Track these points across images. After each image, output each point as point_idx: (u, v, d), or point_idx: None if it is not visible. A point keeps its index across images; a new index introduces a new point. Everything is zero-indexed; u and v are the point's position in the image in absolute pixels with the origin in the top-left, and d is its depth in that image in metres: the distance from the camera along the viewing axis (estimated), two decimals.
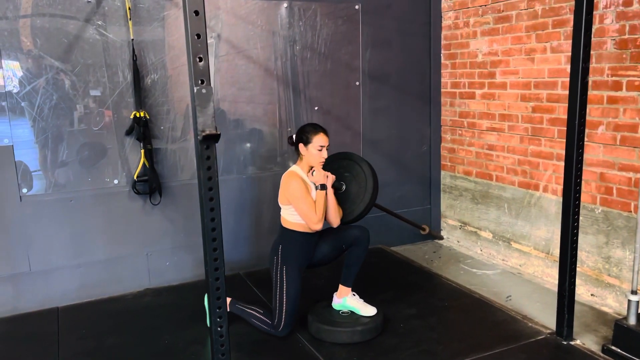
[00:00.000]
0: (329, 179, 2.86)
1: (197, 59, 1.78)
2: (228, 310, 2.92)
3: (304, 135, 2.84)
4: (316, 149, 2.81)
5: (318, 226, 2.81)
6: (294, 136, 2.91)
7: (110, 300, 3.48)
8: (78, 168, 3.36)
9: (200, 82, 1.79)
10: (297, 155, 2.91)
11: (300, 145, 2.85)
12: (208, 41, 3.61)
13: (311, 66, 3.94)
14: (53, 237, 3.35)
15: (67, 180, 3.35)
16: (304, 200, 2.78)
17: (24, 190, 3.26)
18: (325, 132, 2.85)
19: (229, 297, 2.97)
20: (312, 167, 2.88)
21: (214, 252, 1.95)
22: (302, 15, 3.85)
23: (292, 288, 2.84)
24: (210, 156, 1.86)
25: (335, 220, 2.94)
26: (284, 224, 2.93)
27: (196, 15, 1.76)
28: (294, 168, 2.90)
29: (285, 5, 3.79)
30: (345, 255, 3.00)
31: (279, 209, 2.97)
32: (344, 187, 3.02)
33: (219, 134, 1.82)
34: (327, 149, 2.85)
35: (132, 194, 3.47)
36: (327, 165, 2.96)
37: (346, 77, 4.09)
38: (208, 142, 1.83)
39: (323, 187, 2.82)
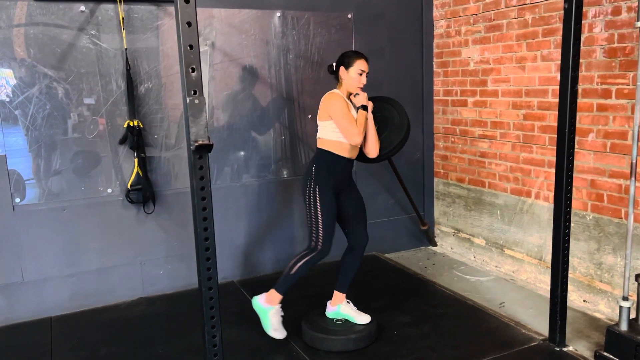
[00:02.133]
0: (370, 103, 2.90)
1: (190, 70, 1.80)
2: (280, 295, 2.91)
3: (346, 59, 2.88)
4: (357, 73, 2.85)
5: (359, 138, 2.80)
6: (334, 64, 2.94)
7: (104, 309, 3.46)
8: (71, 177, 3.36)
9: (193, 92, 1.81)
10: (337, 81, 2.94)
11: (342, 69, 2.88)
12: (202, 49, 3.65)
13: (304, 74, 3.96)
14: (46, 247, 3.34)
15: (61, 189, 3.34)
16: (346, 114, 2.80)
17: (17, 200, 3.25)
18: (366, 59, 2.89)
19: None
20: (350, 93, 2.90)
21: (207, 262, 1.95)
22: (295, 24, 3.87)
23: (327, 206, 2.82)
24: (203, 166, 1.87)
25: (373, 148, 2.95)
26: (321, 145, 2.91)
27: (189, 26, 1.78)
28: (333, 90, 2.92)
29: (278, 14, 3.81)
30: (341, 261, 3.03)
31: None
32: (376, 127, 3.03)
33: (212, 144, 1.83)
34: (366, 76, 2.88)
35: (126, 203, 3.47)
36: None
37: None
38: (201, 152, 1.84)
39: (364, 108, 2.85)
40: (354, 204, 3.00)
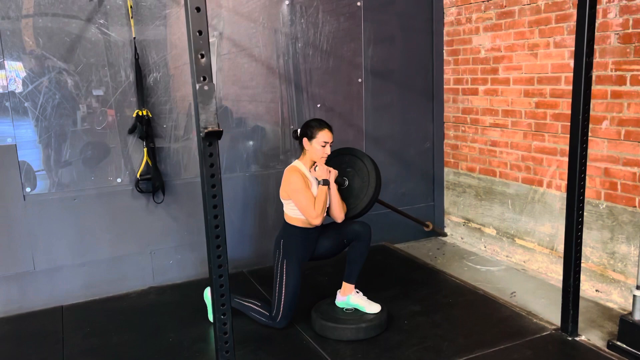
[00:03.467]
0: (332, 174, 2.88)
1: (199, 56, 1.78)
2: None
3: (309, 130, 2.85)
4: (320, 145, 2.83)
5: (317, 221, 2.83)
6: (298, 130, 2.92)
7: (115, 298, 3.48)
8: (81, 167, 3.37)
9: (202, 78, 1.79)
10: (301, 150, 2.92)
11: (305, 140, 2.86)
12: (210, 39, 3.62)
13: (313, 63, 3.93)
14: (57, 236, 3.36)
15: (71, 179, 3.35)
16: (304, 194, 2.80)
17: (28, 190, 3.26)
18: (330, 129, 2.87)
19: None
20: (314, 163, 2.89)
21: (217, 250, 1.95)
22: (304, 12, 3.84)
23: (291, 281, 2.88)
24: (212, 153, 1.85)
25: (339, 215, 2.95)
26: (286, 219, 2.96)
27: (198, 11, 1.76)
28: (295, 163, 2.92)
29: (287, 2, 3.78)
30: (348, 252, 3.00)
31: (282, 206, 2.98)
32: (346, 182, 3.04)
33: (222, 131, 1.82)
34: (330, 146, 2.86)
35: (136, 193, 3.48)
36: (330, 161, 2.98)
37: (348, 74, 4.08)
38: (211, 138, 1.83)
39: (325, 182, 2.84)
40: (330, 233, 2.98)
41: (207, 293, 3.12)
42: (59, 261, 3.38)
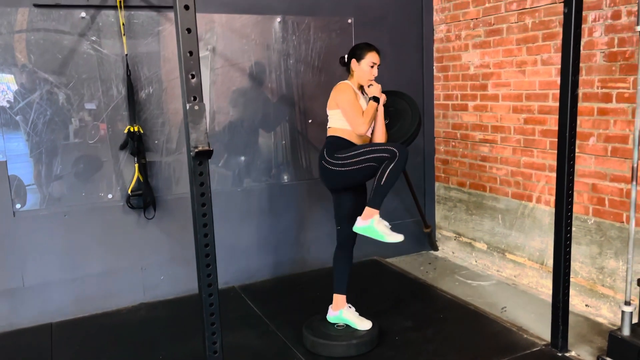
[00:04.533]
0: (382, 96, 2.90)
1: (190, 76, 1.80)
2: (376, 211, 2.75)
3: (358, 51, 2.89)
4: (368, 65, 2.86)
5: (363, 127, 2.77)
6: (345, 56, 2.94)
7: (105, 315, 3.46)
8: (72, 182, 3.36)
9: (192, 98, 1.81)
10: (348, 72, 2.94)
11: (353, 61, 2.89)
12: (203, 54, 3.66)
13: (305, 79, 3.97)
14: (47, 252, 3.34)
15: (62, 194, 3.35)
16: (353, 103, 2.80)
17: (18, 206, 3.25)
18: (378, 52, 2.90)
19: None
20: (361, 86, 2.91)
21: (207, 268, 1.95)
22: (295, 29, 3.88)
23: (359, 151, 2.72)
24: (203, 172, 1.87)
25: (381, 140, 2.94)
26: (330, 133, 2.91)
27: (188, 32, 1.78)
28: (344, 81, 2.93)
29: (278, 19, 3.82)
30: (334, 262, 3.02)
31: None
32: (387, 120, 3.04)
33: (212, 150, 1.83)
34: (378, 68, 2.89)
35: (127, 208, 3.47)
36: None
37: None
38: (201, 158, 1.84)
39: (376, 99, 2.85)
40: (355, 201, 2.97)
41: (357, 225, 2.82)
42: (49, 277, 3.36)
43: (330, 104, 2.91)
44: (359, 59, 2.87)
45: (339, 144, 2.86)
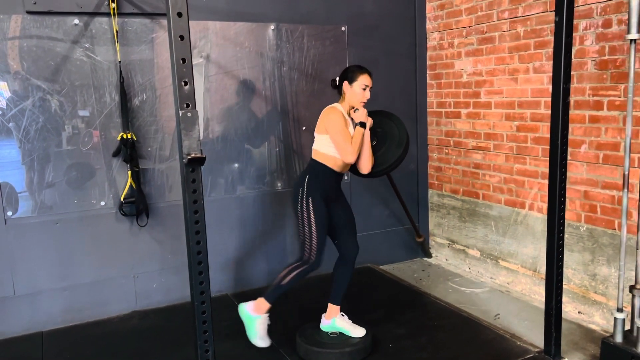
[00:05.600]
0: (369, 120, 2.89)
1: (183, 83, 1.80)
2: (268, 305, 2.91)
3: (350, 73, 2.88)
4: (360, 88, 2.85)
5: (352, 157, 2.79)
6: (337, 78, 2.93)
7: (96, 323, 3.43)
8: (65, 189, 3.34)
9: (185, 105, 1.81)
10: (339, 95, 2.93)
11: (345, 84, 2.87)
12: (197, 61, 3.66)
13: (299, 86, 3.98)
14: (38, 260, 3.31)
15: (54, 202, 3.32)
16: (342, 131, 2.78)
17: (9, 214, 3.22)
18: (370, 74, 2.89)
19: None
20: (352, 108, 2.89)
21: (199, 276, 1.94)
22: (289, 37, 3.89)
23: (320, 217, 2.81)
24: (195, 179, 1.86)
25: (366, 165, 2.94)
26: (315, 156, 2.91)
27: (181, 40, 1.78)
28: (335, 104, 2.91)
29: (272, 27, 3.83)
30: (333, 272, 3.02)
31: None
32: (374, 142, 3.04)
33: (205, 157, 1.83)
34: (370, 91, 2.88)
35: (119, 216, 3.46)
36: None
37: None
38: (193, 165, 1.84)
39: (362, 125, 2.84)
40: (344, 215, 3.00)
41: (245, 308, 3.00)
42: (40, 286, 3.33)
43: (319, 128, 2.89)
44: (351, 81, 2.86)
45: (323, 178, 2.86)
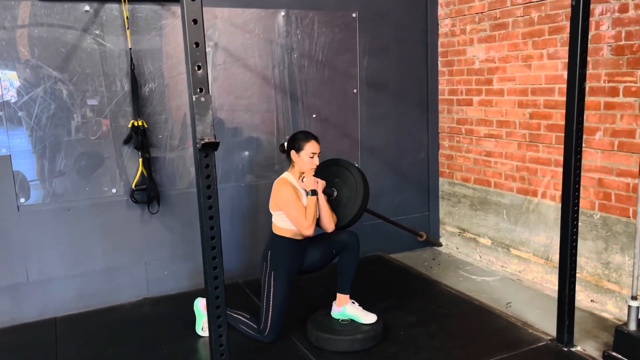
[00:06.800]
0: (319, 184, 2.89)
1: (196, 67, 1.78)
2: None
3: (296, 142, 2.87)
4: (308, 156, 2.84)
5: (309, 231, 2.82)
6: (285, 144, 2.93)
7: (108, 310, 3.45)
8: (76, 177, 3.35)
9: (199, 90, 1.79)
10: (289, 162, 2.93)
11: (292, 153, 2.88)
12: (206, 49, 3.64)
13: (309, 74, 3.95)
14: (51, 247, 3.33)
15: (65, 189, 3.34)
16: (295, 205, 2.80)
17: (22, 200, 3.24)
18: (317, 140, 2.88)
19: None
20: (302, 174, 2.89)
21: (213, 261, 1.94)
22: (299, 23, 3.86)
23: (279, 293, 2.85)
24: (209, 164, 1.85)
25: (329, 225, 2.95)
26: (274, 230, 2.95)
27: (194, 23, 1.77)
28: (285, 175, 2.93)
29: (282, 13, 3.80)
30: (338, 263, 3.00)
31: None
32: (335, 193, 3.04)
33: (218, 142, 1.82)
34: (318, 157, 2.88)
35: (130, 203, 3.46)
36: (318, 172, 2.99)
37: (344, 85, 4.10)
38: (207, 150, 1.83)
39: (314, 192, 2.85)
40: (318, 245, 2.98)
41: (198, 304, 3.08)
42: (53, 272, 3.36)
43: (272, 205, 2.91)
44: (297, 151, 2.85)
45: (285, 250, 2.89)
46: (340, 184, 3.05)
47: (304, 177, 2.87)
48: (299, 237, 2.91)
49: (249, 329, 2.95)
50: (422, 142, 4.49)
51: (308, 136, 2.87)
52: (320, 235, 3.01)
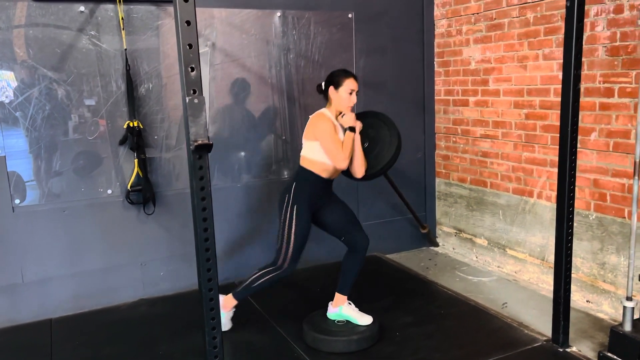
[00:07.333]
0: (358, 124, 2.85)
1: (189, 69, 1.78)
2: (236, 302, 2.97)
3: (335, 78, 2.84)
4: (346, 92, 2.81)
5: (344, 164, 2.77)
6: (322, 83, 2.90)
7: (104, 310, 3.45)
8: (72, 178, 3.35)
9: (192, 92, 1.79)
10: (326, 100, 2.90)
11: (331, 89, 2.84)
12: (203, 50, 3.64)
13: (305, 74, 3.95)
14: (46, 248, 3.33)
15: (61, 190, 3.33)
16: (332, 137, 2.76)
17: (17, 201, 3.24)
18: (355, 78, 2.86)
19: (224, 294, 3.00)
20: (340, 112, 2.86)
21: (207, 262, 1.94)
22: (295, 24, 3.86)
23: (301, 227, 2.81)
24: (202, 166, 1.85)
25: (359, 169, 2.92)
26: (303, 163, 2.88)
27: (188, 25, 1.77)
28: (323, 110, 2.88)
29: (278, 14, 3.80)
30: (343, 261, 3.00)
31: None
32: (366, 144, 3.00)
33: (212, 144, 1.82)
34: (356, 94, 2.85)
35: (126, 204, 3.46)
36: None
37: None
38: (200, 152, 1.83)
39: (352, 129, 2.80)
40: (342, 212, 2.98)
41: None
42: (49, 273, 3.35)
43: (307, 135, 2.85)
44: (336, 87, 2.82)
45: (311, 185, 2.84)
46: (373, 135, 3.01)
47: (343, 114, 2.83)
48: (325, 175, 2.86)
49: (266, 276, 2.88)
50: (419, 142, 4.49)
51: (347, 73, 2.85)
52: (344, 207, 3.00)
